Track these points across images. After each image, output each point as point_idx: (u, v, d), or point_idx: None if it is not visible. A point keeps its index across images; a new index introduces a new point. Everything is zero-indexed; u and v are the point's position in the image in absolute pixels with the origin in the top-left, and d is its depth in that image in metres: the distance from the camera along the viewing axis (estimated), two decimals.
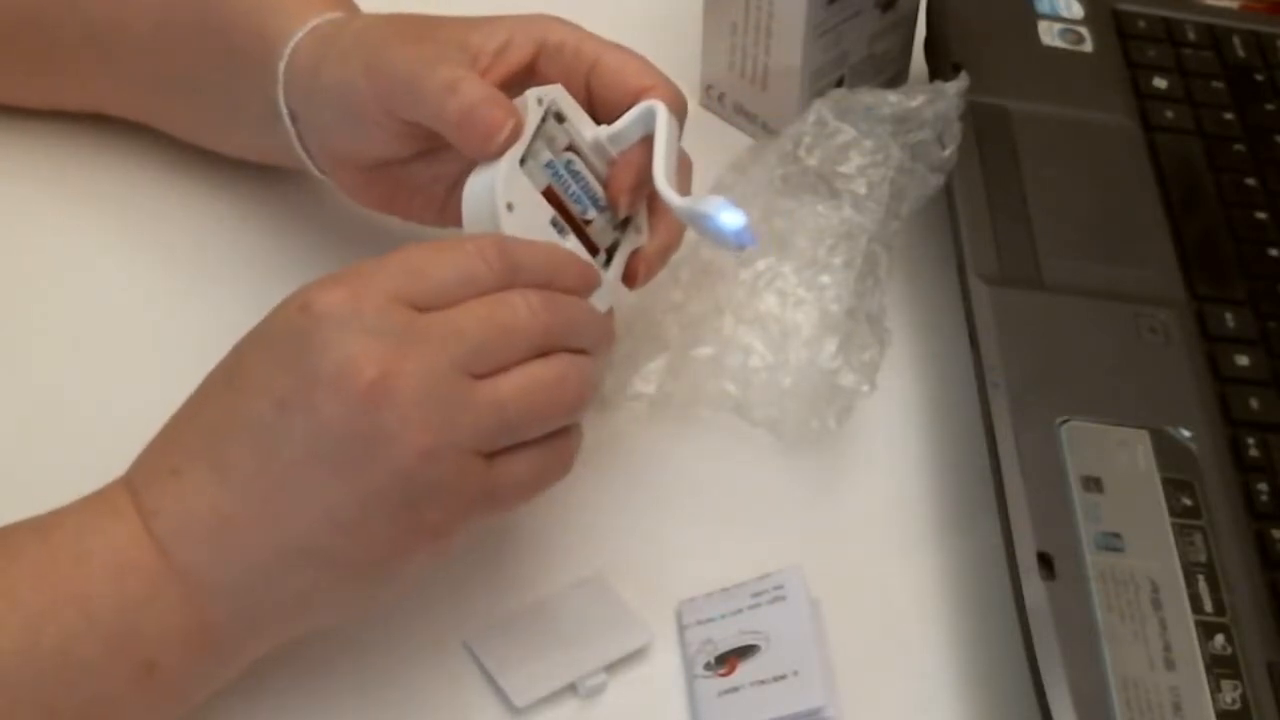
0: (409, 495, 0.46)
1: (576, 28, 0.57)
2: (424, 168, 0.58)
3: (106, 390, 0.61)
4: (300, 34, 0.58)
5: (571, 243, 0.53)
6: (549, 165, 0.53)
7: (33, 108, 0.69)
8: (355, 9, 0.62)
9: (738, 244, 0.51)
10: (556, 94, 0.54)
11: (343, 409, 0.45)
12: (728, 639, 0.54)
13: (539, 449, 0.49)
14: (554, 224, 0.53)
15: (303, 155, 0.60)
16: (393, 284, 0.47)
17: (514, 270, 0.49)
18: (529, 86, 0.54)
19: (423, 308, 0.47)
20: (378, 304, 0.46)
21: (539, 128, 0.53)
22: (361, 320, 0.46)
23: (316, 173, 0.61)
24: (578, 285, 0.51)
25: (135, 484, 0.48)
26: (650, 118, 0.54)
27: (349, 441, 0.46)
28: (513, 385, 0.47)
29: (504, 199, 0.51)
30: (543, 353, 0.48)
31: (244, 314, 0.49)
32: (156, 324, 0.64)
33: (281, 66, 0.58)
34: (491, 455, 0.48)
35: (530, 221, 0.52)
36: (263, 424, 0.46)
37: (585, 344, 0.50)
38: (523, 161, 0.52)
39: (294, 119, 0.59)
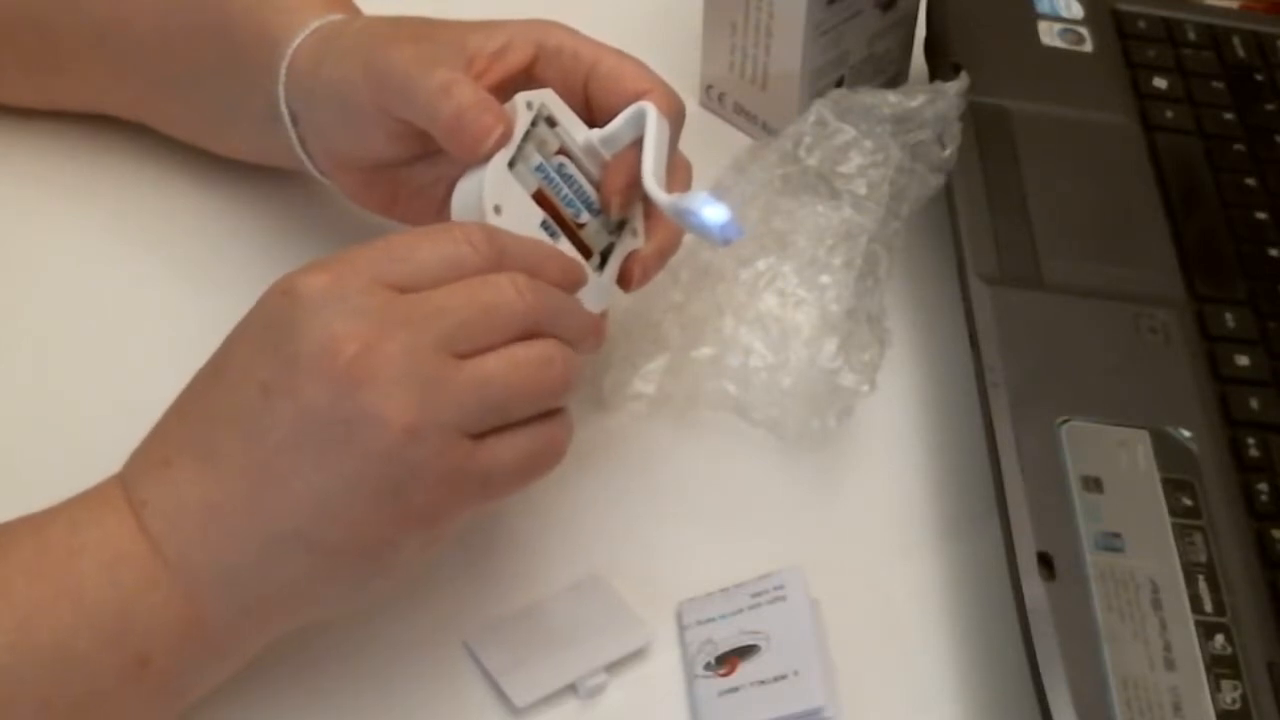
0: (394, 478, 0.46)
1: (575, 32, 0.57)
2: (424, 170, 0.58)
3: (106, 390, 0.61)
4: (303, 34, 0.58)
5: (563, 245, 0.53)
6: (539, 168, 0.54)
7: (33, 108, 0.69)
8: (357, 10, 0.62)
9: (723, 238, 0.51)
10: (546, 97, 0.54)
11: (325, 391, 0.45)
12: (728, 639, 0.54)
13: (527, 433, 0.48)
14: (544, 226, 0.53)
15: (303, 157, 0.60)
16: (376, 267, 0.47)
17: (500, 254, 0.48)
18: (526, 90, 0.54)
19: (406, 290, 0.47)
20: (360, 286, 0.46)
21: (528, 131, 0.53)
22: (343, 302, 0.46)
23: (316, 174, 0.61)
24: (560, 279, 0.50)
25: (128, 478, 0.48)
26: (641, 119, 0.54)
27: (332, 424, 0.45)
28: (496, 364, 0.47)
29: (491, 201, 0.51)
30: (528, 336, 0.48)
31: (243, 315, 0.49)
32: (156, 324, 0.64)
33: (283, 66, 0.58)
34: (479, 438, 0.47)
35: (519, 223, 0.52)
36: (249, 410, 0.46)
37: (569, 336, 0.50)
38: (512, 164, 0.52)
39: (295, 120, 0.59)
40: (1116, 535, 0.54)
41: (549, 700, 0.54)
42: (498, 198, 0.52)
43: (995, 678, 0.55)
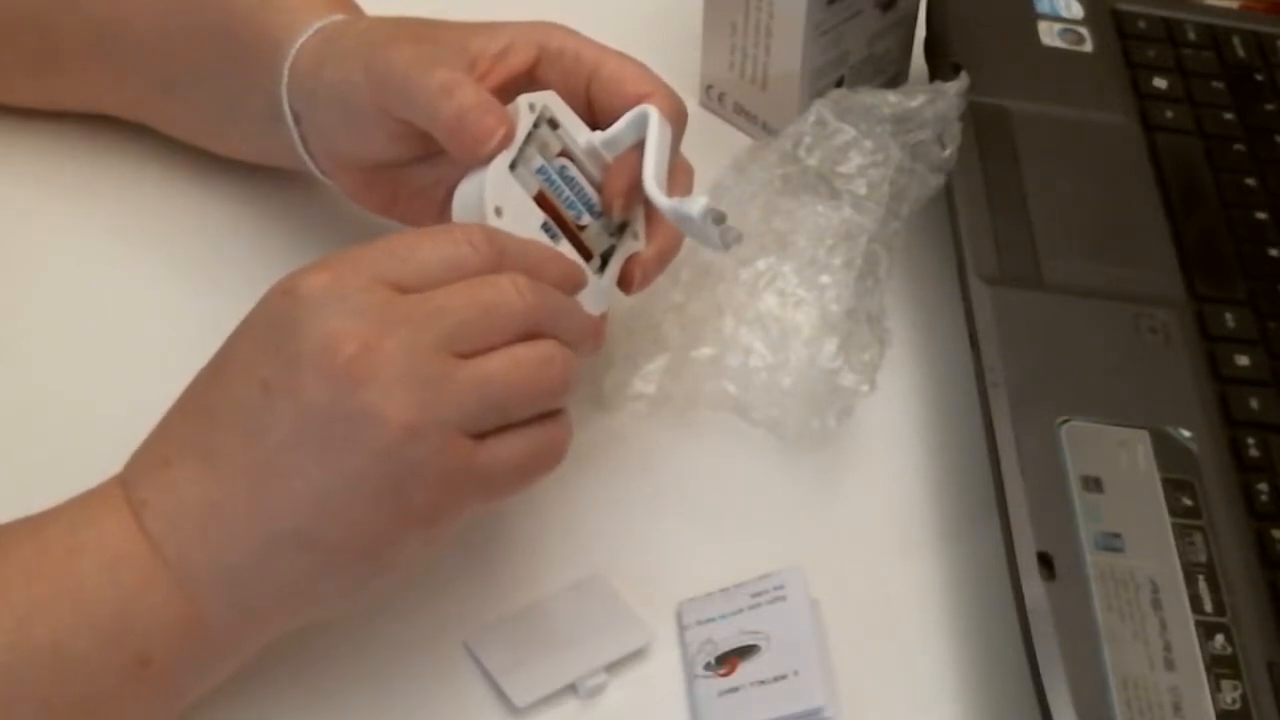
0: (394, 476, 0.46)
1: (577, 34, 0.57)
2: (425, 171, 0.58)
3: (106, 390, 0.61)
4: (305, 35, 0.58)
5: (564, 247, 0.53)
6: (541, 170, 0.54)
7: (33, 108, 0.69)
8: (359, 11, 0.62)
9: (722, 242, 0.52)
10: (549, 99, 0.54)
11: (325, 389, 0.45)
12: (728, 639, 0.54)
13: (527, 433, 0.48)
14: (545, 228, 0.53)
15: (304, 157, 0.60)
16: (377, 267, 0.47)
17: (500, 255, 0.49)
18: (528, 92, 0.54)
19: (407, 290, 0.47)
20: (361, 285, 0.46)
21: (531, 133, 0.53)
22: (344, 301, 0.46)
23: (318, 174, 0.61)
24: (560, 281, 0.51)
25: (129, 478, 0.48)
26: (643, 122, 0.54)
27: (333, 422, 0.45)
28: (497, 363, 0.47)
29: (492, 203, 0.51)
30: (528, 337, 0.48)
31: (243, 315, 0.49)
32: (156, 324, 0.64)
33: (286, 66, 0.58)
34: (479, 438, 0.47)
35: (520, 225, 0.52)
36: (249, 409, 0.46)
37: (569, 337, 0.50)
38: (513, 166, 0.52)
39: (297, 120, 0.59)
40: (1116, 535, 0.54)
41: (549, 700, 0.54)
42: (499, 199, 0.52)
43: (995, 678, 0.55)
